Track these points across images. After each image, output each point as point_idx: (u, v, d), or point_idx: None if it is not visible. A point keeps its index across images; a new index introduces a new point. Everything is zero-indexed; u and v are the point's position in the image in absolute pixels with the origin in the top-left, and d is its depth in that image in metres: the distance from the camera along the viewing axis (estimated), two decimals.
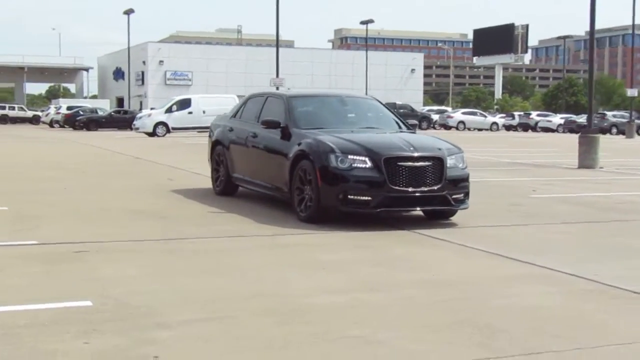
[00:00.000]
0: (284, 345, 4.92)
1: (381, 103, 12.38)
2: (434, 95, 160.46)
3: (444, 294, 6.41)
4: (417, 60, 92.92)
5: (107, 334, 5.11)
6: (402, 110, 60.88)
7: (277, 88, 44.76)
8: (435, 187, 9.86)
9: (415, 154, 9.85)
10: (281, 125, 11.01)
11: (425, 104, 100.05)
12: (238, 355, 4.77)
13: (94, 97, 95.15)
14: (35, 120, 73.89)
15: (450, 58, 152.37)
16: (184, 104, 41.20)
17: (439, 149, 10.17)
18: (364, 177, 9.69)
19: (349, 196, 9.64)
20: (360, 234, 9.23)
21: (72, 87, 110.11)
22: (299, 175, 10.23)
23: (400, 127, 11.58)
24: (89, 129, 51.92)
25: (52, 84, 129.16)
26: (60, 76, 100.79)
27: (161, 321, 5.42)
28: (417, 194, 9.78)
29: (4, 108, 78.51)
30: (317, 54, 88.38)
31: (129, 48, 72.70)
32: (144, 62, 79.85)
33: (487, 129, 63.45)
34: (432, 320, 5.58)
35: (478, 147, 30.93)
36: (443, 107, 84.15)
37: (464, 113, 67.03)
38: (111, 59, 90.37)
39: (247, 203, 11.86)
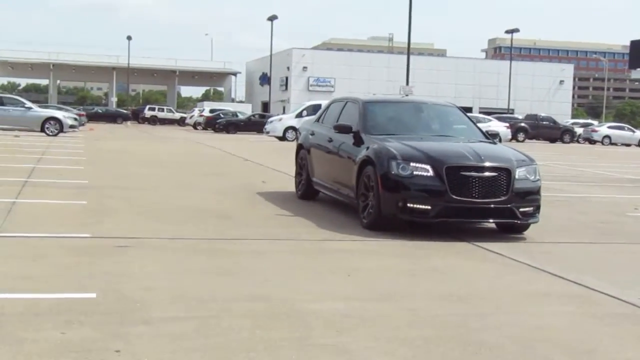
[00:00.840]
0: (246, 348, 4.83)
1: (462, 111, 12.01)
2: (590, 108, 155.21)
3: (452, 307, 6.13)
4: (566, 71, 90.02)
5: (87, 326, 5.18)
6: (544, 122, 59.27)
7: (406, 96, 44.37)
8: (501, 199, 9.46)
9: (480, 164, 9.50)
10: (353, 131, 10.90)
11: (578, 117, 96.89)
12: (194, 354, 4.72)
13: (242, 101, 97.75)
14: (182, 122, 76.61)
15: (606, 70, 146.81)
16: (315, 109, 41.46)
17: (508, 160, 9.76)
18: (425, 185, 9.42)
19: (408, 204, 9.40)
20: (414, 243, 8.99)
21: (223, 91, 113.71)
22: (363, 182, 10.08)
23: (478, 137, 11.18)
24: (227, 132, 53.35)
25: (207, 88, 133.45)
26: (209, 80, 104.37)
27: (145, 317, 5.45)
28: (480, 206, 9.43)
29: (154, 109, 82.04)
30: (462, 63, 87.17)
31: (271, 55, 74.33)
32: (288, 68, 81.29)
33: (635, 145, 60.63)
34: (418, 333, 5.33)
35: (609, 162, 29.51)
36: (589, 121, 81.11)
37: (610, 127, 64.19)
38: (258, 64, 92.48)
39: (322, 208, 11.80)
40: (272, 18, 70.31)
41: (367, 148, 10.23)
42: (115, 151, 24.89)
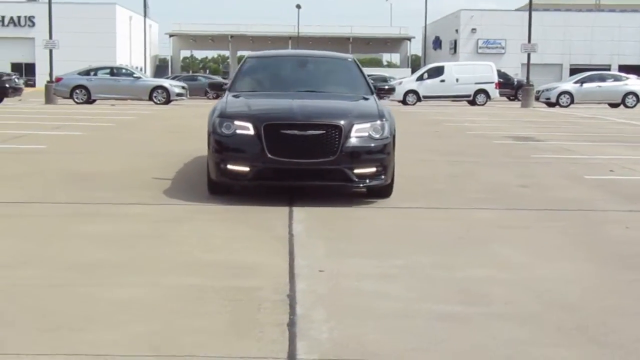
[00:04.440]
0: None
1: (357, 66, 10.85)
2: None
3: (54, 277, 5.63)
4: None
5: None
6: None
7: (529, 55, 41.87)
8: (327, 160, 8.51)
9: (304, 122, 8.59)
10: (223, 88, 10.30)
11: None
12: None
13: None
14: None
15: None
16: (437, 71, 40.16)
17: (343, 116, 8.75)
18: (244, 145, 8.66)
19: (228, 166, 8.70)
20: (224, 208, 8.38)
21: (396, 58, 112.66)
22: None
23: (362, 93, 10.11)
24: None
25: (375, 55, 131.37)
26: (384, 46, 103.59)
27: None
28: (302, 167, 8.56)
29: None
30: (625, 18, 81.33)
31: (425, 21, 72.94)
32: (456, 31, 79.17)
33: None
34: None
35: None
36: None
37: None
38: (434, 27, 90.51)
39: None
40: None
41: None
42: (161, 118, 24.73)
